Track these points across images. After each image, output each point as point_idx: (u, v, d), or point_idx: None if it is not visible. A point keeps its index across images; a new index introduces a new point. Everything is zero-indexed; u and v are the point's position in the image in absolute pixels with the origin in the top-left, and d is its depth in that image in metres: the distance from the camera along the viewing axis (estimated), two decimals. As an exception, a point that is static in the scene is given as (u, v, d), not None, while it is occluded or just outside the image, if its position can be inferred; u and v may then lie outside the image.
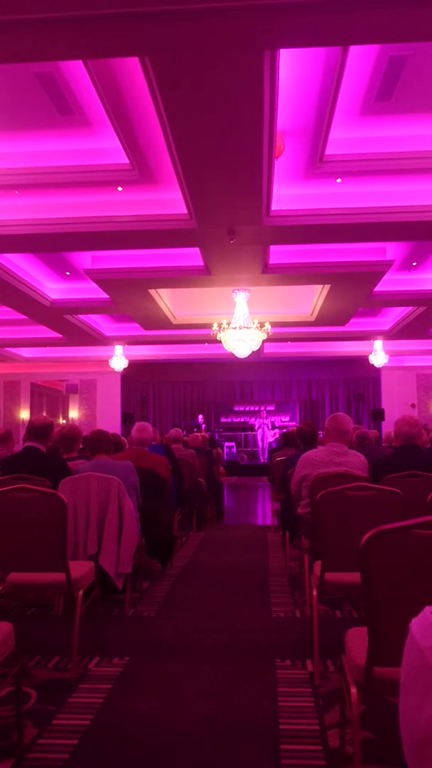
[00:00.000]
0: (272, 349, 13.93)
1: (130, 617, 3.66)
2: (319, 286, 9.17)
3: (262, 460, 16.23)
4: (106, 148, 5.28)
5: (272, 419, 17.38)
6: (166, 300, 10.04)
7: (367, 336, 12.81)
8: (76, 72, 4.24)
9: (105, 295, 9.14)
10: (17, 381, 16.63)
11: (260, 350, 12.46)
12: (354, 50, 4.02)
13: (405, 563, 1.62)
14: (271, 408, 17.85)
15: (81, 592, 2.89)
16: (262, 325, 9.37)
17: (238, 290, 9.00)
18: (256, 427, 17.29)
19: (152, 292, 9.02)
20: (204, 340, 11.97)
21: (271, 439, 16.51)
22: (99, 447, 3.85)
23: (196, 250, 7.21)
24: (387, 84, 4.41)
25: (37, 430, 3.64)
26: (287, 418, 17.54)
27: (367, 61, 4.21)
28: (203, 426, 16.51)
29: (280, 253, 7.61)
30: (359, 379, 17.73)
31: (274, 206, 5.90)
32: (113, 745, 2.15)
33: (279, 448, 8.33)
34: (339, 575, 2.74)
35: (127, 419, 15.85)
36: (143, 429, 4.81)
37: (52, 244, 6.72)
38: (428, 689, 0.54)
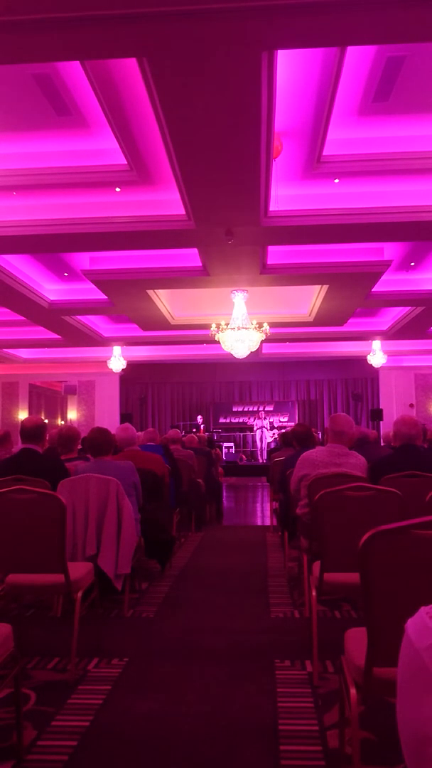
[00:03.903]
0: (271, 349, 13.94)
1: (129, 618, 3.66)
2: (318, 287, 9.18)
3: (260, 461, 16.23)
4: (103, 149, 5.28)
5: (271, 419, 17.39)
6: (165, 301, 10.04)
7: (365, 336, 12.81)
8: (74, 73, 4.24)
9: (103, 296, 9.13)
10: (15, 382, 16.61)
11: (259, 351, 12.46)
12: (351, 51, 4.02)
13: (404, 563, 1.63)
14: (269, 408, 17.85)
15: (80, 594, 2.88)
16: (260, 325, 9.37)
17: (237, 291, 9.00)
18: (254, 428, 17.29)
19: (150, 292, 9.02)
20: (202, 340, 11.97)
21: (269, 440, 16.51)
22: (101, 450, 3.83)
23: (194, 251, 7.21)
24: (385, 84, 4.41)
25: (29, 432, 3.62)
26: (286, 419, 17.54)
27: (365, 62, 4.21)
28: (202, 426, 16.51)
29: (278, 254, 7.61)
30: (358, 380, 17.74)
31: (272, 207, 5.90)
32: (113, 747, 2.15)
33: (278, 448, 8.34)
34: (338, 576, 2.74)
35: (126, 420, 15.84)
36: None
37: (50, 245, 6.72)
38: (425, 690, 0.54)
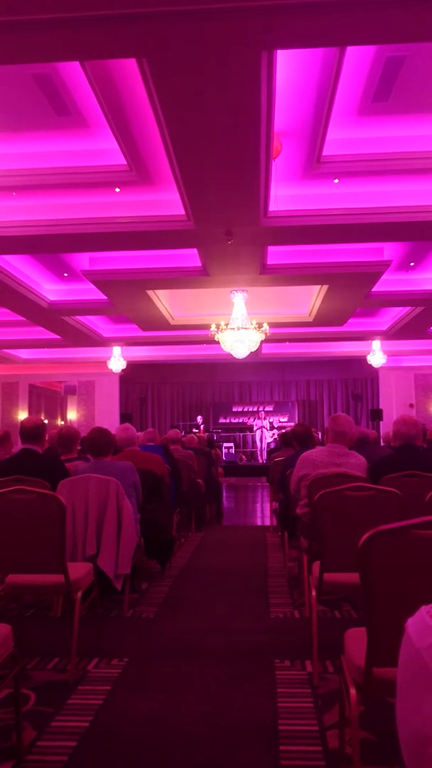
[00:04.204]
0: (270, 349, 13.94)
1: (129, 618, 3.66)
2: (317, 287, 9.18)
3: (260, 461, 16.23)
4: (103, 149, 5.28)
5: (271, 420, 17.39)
6: (164, 301, 10.04)
7: (365, 336, 12.81)
8: (74, 73, 4.24)
9: (103, 297, 9.13)
10: (15, 382, 16.62)
11: (258, 351, 12.46)
12: (351, 51, 4.02)
13: (404, 563, 1.63)
14: (269, 408, 17.85)
15: (80, 594, 2.88)
16: (260, 325, 9.37)
17: (236, 291, 9.00)
18: (254, 428, 17.29)
19: (150, 293, 9.02)
20: (202, 340, 11.97)
21: (269, 440, 16.51)
22: (101, 450, 3.81)
23: (194, 251, 7.21)
24: (384, 84, 4.41)
25: (29, 432, 3.62)
26: (286, 419, 17.54)
27: (365, 62, 4.21)
28: (202, 426, 16.51)
29: (277, 254, 7.61)
30: (357, 380, 17.74)
31: (272, 207, 5.90)
32: (112, 747, 2.15)
33: (278, 448, 8.33)
34: (338, 576, 2.74)
35: (126, 420, 15.83)
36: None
37: (50, 246, 6.72)
38: (425, 689, 0.54)
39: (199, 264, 7.63)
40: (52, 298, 9.50)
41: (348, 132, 5.08)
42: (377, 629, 1.65)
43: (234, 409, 18.25)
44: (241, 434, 17.75)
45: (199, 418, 17.23)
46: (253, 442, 17.35)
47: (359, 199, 5.86)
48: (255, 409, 17.87)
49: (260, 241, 6.68)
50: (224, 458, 14.96)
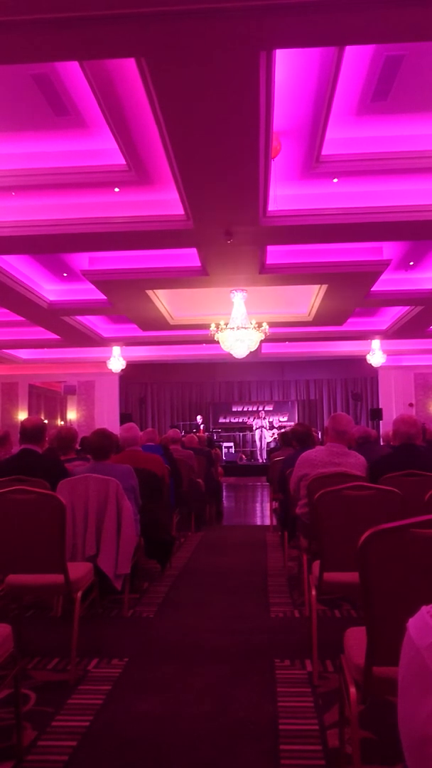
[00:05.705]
0: (270, 349, 13.93)
1: (129, 618, 3.66)
2: (317, 286, 9.18)
3: (260, 461, 16.23)
4: (102, 149, 5.27)
5: (270, 419, 17.39)
6: (164, 301, 10.03)
7: (364, 336, 12.81)
8: (72, 73, 4.24)
9: (102, 297, 9.13)
10: (15, 383, 16.61)
11: (258, 350, 12.44)
12: (350, 50, 4.02)
13: (403, 562, 1.63)
14: (269, 408, 17.86)
15: (80, 594, 2.89)
16: (259, 325, 9.37)
17: (236, 290, 9.00)
18: (254, 428, 17.29)
19: (150, 292, 9.02)
20: (202, 340, 11.96)
21: (269, 440, 16.51)
22: (100, 453, 3.80)
23: (194, 251, 7.20)
24: (383, 84, 4.41)
25: (29, 432, 3.62)
26: (285, 418, 17.55)
27: (363, 61, 4.21)
28: (201, 426, 16.52)
29: (277, 254, 7.61)
30: (357, 379, 17.74)
31: (271, 206, 5.90)
32: (113, 747, 2.15)
33: (277, 448, 8.34)
34: (338, 575, 2.74)
35: (126, 420, 15.82)
36: (130, 428, 4.83)
37: (49, 246, 6.71)
38: (425, 689, 0.54)
39: (199, 264, 7.62)
40: (51, 298, 9.50)
41: (347, 131, 5.07)
42: (377, 628, 1.65)
43: (234, 409, 18.25)
44: (241, 434, 17.75)
45: (199, 418, 17.24)
46: (253, 441, 17.36)
47: (358, 198, 5.86)
48: (255, 408, 17.88)
49: (259, 241, 6.68)
50: (224, 458, 14.96)
